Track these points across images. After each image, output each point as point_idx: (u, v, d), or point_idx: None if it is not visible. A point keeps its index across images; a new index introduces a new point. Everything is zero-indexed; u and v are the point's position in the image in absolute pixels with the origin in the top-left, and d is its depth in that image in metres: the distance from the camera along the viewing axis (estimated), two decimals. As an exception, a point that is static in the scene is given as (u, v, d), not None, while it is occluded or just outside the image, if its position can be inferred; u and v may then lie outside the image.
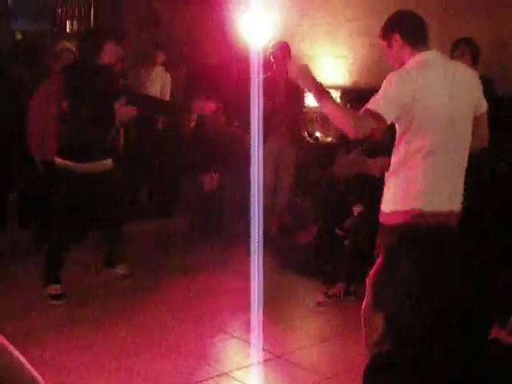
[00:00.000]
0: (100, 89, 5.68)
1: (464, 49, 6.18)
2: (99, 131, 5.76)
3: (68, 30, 9.83)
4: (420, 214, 3.71)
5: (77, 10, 9.79)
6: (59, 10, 9.93)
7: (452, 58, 6.23)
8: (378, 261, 3.34)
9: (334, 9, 8.42)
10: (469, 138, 3.83)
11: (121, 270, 6.13)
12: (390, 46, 4.00)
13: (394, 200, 3.85)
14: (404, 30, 3.92)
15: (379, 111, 3.61)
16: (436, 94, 3.69)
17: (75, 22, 9.86)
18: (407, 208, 3.74)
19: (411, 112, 3.64)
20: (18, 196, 7.47)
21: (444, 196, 3.81)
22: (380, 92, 3.69)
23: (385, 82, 3.74)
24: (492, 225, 5.64)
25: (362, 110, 3.68)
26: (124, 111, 5.94)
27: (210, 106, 5.97)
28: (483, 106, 3.91)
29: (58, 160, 5.73)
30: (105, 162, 5.82)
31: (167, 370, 4.47)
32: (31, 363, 4.44)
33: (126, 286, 6.02)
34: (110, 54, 6.20)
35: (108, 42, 6.11)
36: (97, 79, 5.72)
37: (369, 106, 3.66)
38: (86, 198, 5.73)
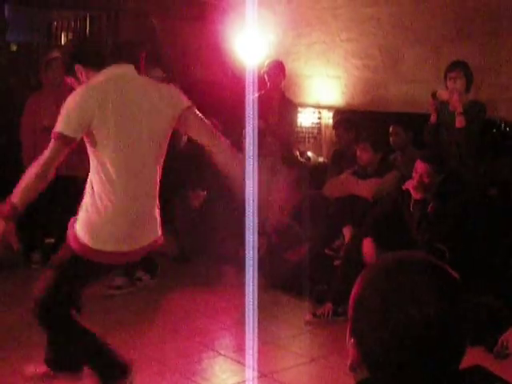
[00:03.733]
0: None
1: (459, 72, 6.23)
2: None
3: (63, 43, 9.85)
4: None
5: (72, 22, 9.81)
6: (55, 23, 9.95)
7: (446, 79, 6.30)
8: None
9: (329, 30, 8.48)
10: (155, 158, 3.81)
11: None
12: (78, 80, 3.86)
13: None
14: (83, 58, 3.84)
15: (64, 132, 3.56)
16: (119, 109, 3.63)
17: (70, 35, 9.88)
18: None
19: (95, 128, 3.58)
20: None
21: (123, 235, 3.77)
22: (62, 113, 3.62)
23: (67, 101, 3.64)
24: (481, 248, 5.66)
25: (52, 135, 3.61)
26: None
27: None
28: (182, 103, 3.89)
29: None
30: None
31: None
32: (17, 374, 4.43)
33: (115, 302, 6.01)
34: None
35: None
36: None
37: (55, 129, 3.61)
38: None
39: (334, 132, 7.97)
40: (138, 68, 3.97)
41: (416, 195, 5.58)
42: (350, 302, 1.52)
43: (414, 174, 5.61)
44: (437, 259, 1.52)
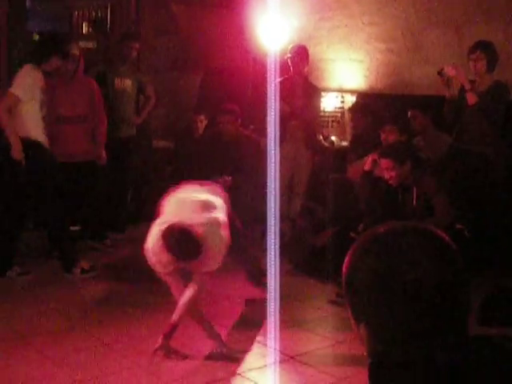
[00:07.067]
0: None
1: (480, 54, 6.20)
2: None
3: (84, 32, 9.88)
4: None
5: (93, 12, 9.83)
6: (76, 12, 9.97)
7: (468, 61, 6.27)
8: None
9: (351, 13, 8.44)
10: None
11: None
12: None
13: None
14: None
15: None
16: None
17: (91, 24, 9.90)
18: None
19: None
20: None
21: None
22: None
23: None
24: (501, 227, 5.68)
25: None
26: None
27: None
28: None
29: None
30: None
31: (181, 367, 4.50)
32: (46, 361, 4.50)
33: (140, 288, 6.04)
34: None
35: None
36: None
37: None
38: None
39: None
40: None
41: (393, 185, 5.82)
42: (343, 282, 1.53)
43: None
44: (456, 237, 1.52)
